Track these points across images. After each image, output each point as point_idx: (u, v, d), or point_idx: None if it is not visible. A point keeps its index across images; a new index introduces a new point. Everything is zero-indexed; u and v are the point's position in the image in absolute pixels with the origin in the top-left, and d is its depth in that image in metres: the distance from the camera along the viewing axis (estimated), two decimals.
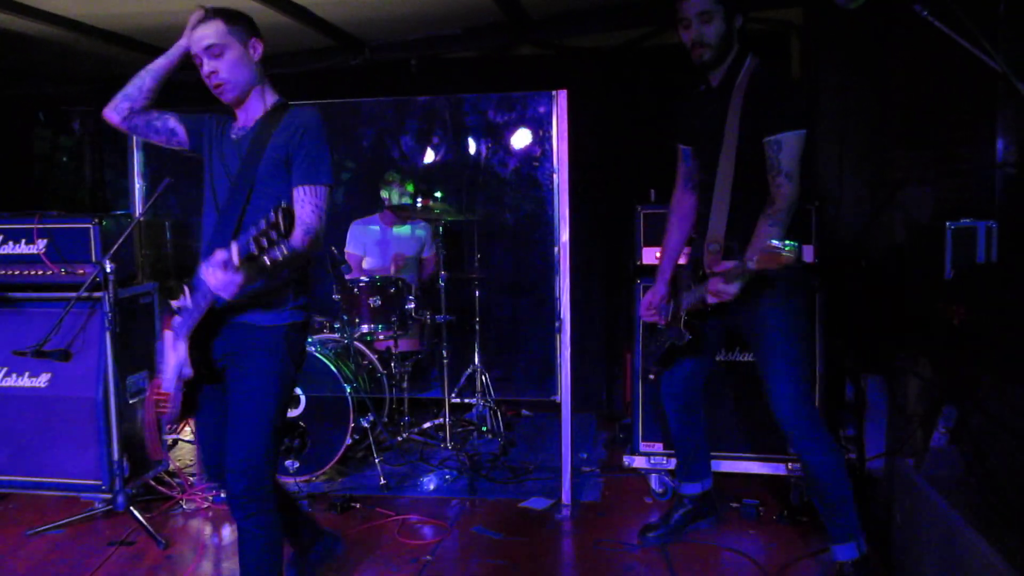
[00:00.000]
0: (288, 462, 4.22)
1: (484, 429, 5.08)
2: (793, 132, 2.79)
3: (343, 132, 5.91)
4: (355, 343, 4.74)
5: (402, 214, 5.27)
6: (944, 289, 3.08)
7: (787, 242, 2.46)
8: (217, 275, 2.19)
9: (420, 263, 5.50)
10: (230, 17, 2.53)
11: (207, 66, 2.51)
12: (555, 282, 3.99)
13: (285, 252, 2.11)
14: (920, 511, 2.75)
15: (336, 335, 4.79)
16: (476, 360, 5.19)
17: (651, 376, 3.65)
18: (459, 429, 5.11)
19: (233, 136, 2.61)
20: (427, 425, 4.97)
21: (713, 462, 3.65)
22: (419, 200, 5.29)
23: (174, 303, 2.54)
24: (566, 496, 3.95)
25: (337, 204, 6.12)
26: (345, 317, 4.69)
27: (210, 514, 3.95)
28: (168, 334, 2.55)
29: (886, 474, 3.71)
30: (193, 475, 4.36)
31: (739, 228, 2.92)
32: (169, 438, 4.02)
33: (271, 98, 2.63)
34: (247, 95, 2.58)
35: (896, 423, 3.72)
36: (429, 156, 5.84)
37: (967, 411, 2.83)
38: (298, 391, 4.28)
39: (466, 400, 5.26)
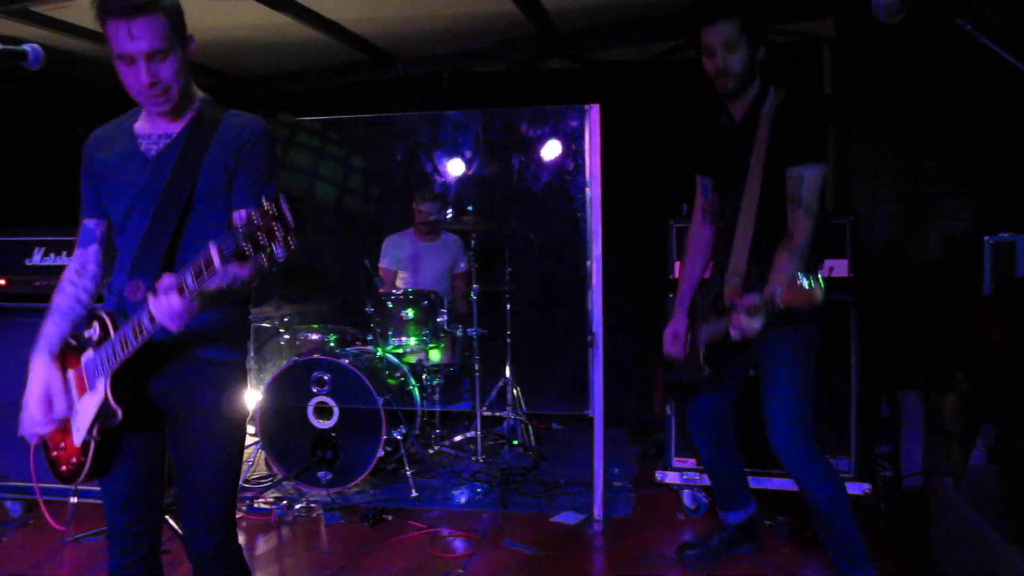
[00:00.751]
0: (321, 473, 4.26)
1: (515, 443, 5.08)
2: (815, 166, 2.74)
3: (376, 146, 5.96)
4: (387, 355, 4.76)
5: (432, 229, 5.33)
6: (983, 305, 3.04)
7: (819, 279, 2.41)
8: (172, 301, 1.78)
9: (453, 281, 5.52)
10: (170, 11, 2.00)
11: (146, 74, 1.99)
12: (587, 296, 3.99)
13: (287, 247, 1.67)
14: (959, 531, 2.71)
15: (369, 347, 4.82)
16: (507, 373, 5.20)
17: (669, 411, 3.61)
18: (490, 442, 5.11)
19: (147, 149, 2.14)
20: (458, 438, 4.98)
21: None
22: (449, 213, 5.33)
23: (86, 333, 2.12)
24: (598, 511, 3.93)
25: (371, 218, 6.17)
26: (378, 330, 4.72)
27: (243, 524, 3.98)
28: (73, 375, 2.12)
29: (923, 493, 3.67)
30: None
31: (761, 262, 2.84)
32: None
33: (198, 98, 2.18)
34: (183, 103, 2.13)
35: (933, 441, 3.67)
36: (461, 170, 5.87)
37: (1007, 429, 2.79)
38: (331, 402, 4.32)
39: (497, 413, 5.27)
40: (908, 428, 3.92)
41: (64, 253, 4.01)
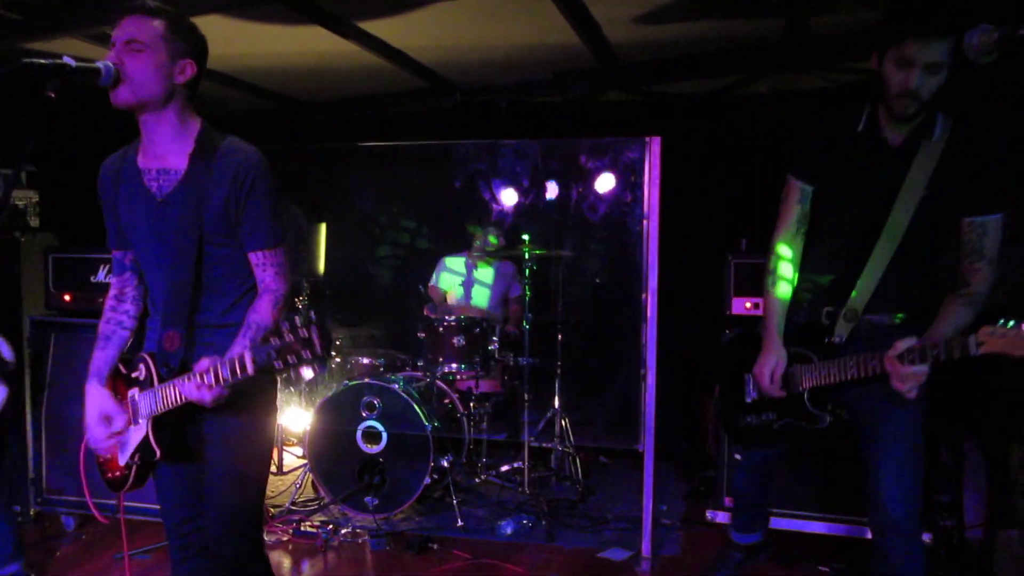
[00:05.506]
0: (367, 499, 4.25)
1: (562, 475, 5.03)
2: (1000, 215, 2.47)
3: (435, 172, 6.01)
4: (437, 382, 4.76)
5: (487, 256, 5.35)
6: None
7: None
8: (203, 394, 2.03)
9: (507, 304, 5.52)
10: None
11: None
12: (640, 329, 3.95)
13: (312, 366, 1.92)
14: None
15: (419, 373, 4.83)
16: (556, 404, 5.16)
17: (737, 456, 3.52)
18: (536, 474, 5.07)
19: (150, 185, 2.20)
20: (505, 468, 4.95)
21: (797, 523, 3.55)
22: (502, 239, 5.33)
23: (132, 374, 2.29)
24: (646, 549, 3.86)
25: (426, 245, 6.21)
26: (429, 356, 4.72)
27: (289, 547, 3.99)
28: (125, 401, 2.29)
29: (986, 545, 3.54)
30: (275, 508, 4.42)
31: (881, 303, 2.60)
32: None
33: (197, 126, 2.22)
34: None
35: (997, 491, 3.55)
36: (517, 198, 5.89)
37: None
38: (380, 428, 4.32)
39: (544, 444, 5.22)
40: (970, 476, 3.79)
41: None
